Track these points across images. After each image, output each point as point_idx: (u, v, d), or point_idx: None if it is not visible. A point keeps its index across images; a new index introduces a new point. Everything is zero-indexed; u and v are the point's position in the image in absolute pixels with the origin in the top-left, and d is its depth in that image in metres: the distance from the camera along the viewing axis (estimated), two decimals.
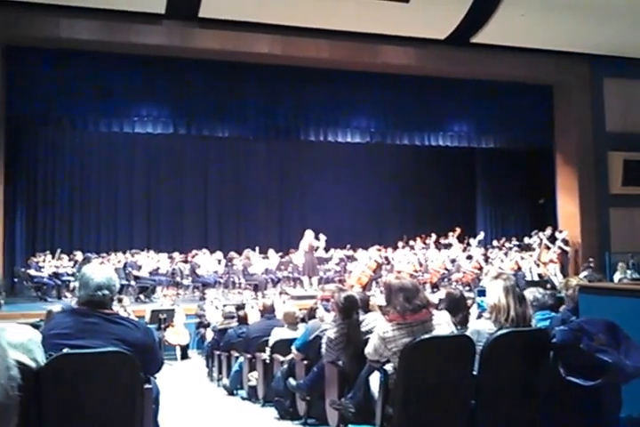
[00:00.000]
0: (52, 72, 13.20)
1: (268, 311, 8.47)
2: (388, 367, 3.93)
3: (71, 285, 14.22)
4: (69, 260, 15.43)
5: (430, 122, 16.38)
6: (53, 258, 15.26)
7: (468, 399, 3.66)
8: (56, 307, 7.36)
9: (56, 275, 14.50)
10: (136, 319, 3.34)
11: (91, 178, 18.37)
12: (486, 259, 17.01)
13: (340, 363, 4.96)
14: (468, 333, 3.86)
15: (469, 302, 6.77)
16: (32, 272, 14.30)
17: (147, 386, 3.12)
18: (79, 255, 15.50)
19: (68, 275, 14.60)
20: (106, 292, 3.15)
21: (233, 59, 14.18)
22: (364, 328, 4.96)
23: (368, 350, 4.13)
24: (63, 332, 3.02)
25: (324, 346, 5.12)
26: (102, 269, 3.24)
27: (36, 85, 13.14)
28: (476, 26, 14.26)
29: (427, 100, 15.99)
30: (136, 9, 12.55)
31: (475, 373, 3.63)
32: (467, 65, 15.28)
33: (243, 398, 8.38)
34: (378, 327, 4.11)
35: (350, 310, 5.00)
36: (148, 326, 9.25)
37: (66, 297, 14.18)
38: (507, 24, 13.99)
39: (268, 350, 7.29)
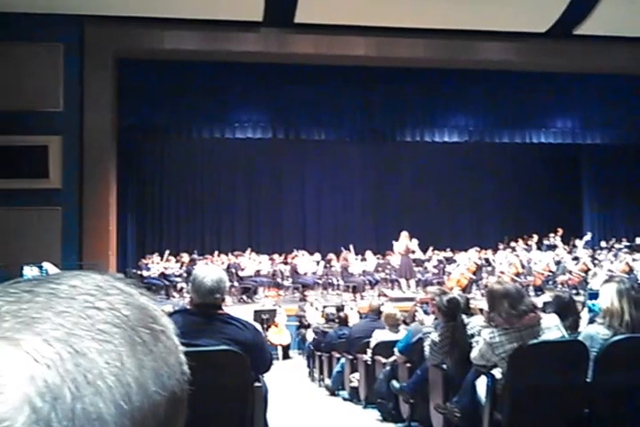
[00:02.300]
0: (158, 82, 13.79)
1: (372, 313, 8.47)
2: (496, 372, 3.86)
3: (178, 285, 14.76)
4: (176, 261, 16.02)
5: (531, 118, 15.90)
6: (162, 260, 15.90)
7: (582, 408, 3.55)
8: (167, 307, 7.65)
9: (164, 276, 15.08)
10: (245, 319, 3.41)
11: (195, 183, 19.00)
12: (593, 260, 16.34)
13: (445, 366, 4.91)
14: (580, 338, 3.74)
15: (579, 305, 6.53)
16: (143, 273, 14.94)
17: (257, 384, 3.19)
18: (185, 257, 16.06)
19: (176, 276, 15.15)
20: (217, 295, 3.25)
21: (328, 62, 14.29)
22: (468, 331, 4.88)
23: (474, 354, 4.06)
24: (178, 331, 3.13)
25: (427, 349, 5.07)
26: (214, 273, 3.33)
27: (144, 96, 13.79)
28: (579, 16, 13.71)
29: (527, 96, 15.52)
30: (235, 18, 12.86)
31: (588, 380, 3.51)
32: (570, 58, 14.72)
33: (344, 399, 8.42)
34: (484, 332, 4.04)
35: (454, 312, 4.94)
36: None
37: (173, 297, 14.72)
38: (613, 13, 13.38)
39: (369, 351, 7.29)
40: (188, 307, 3.59)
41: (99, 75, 12.90)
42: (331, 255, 16.12)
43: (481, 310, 7.55)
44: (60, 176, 12.67)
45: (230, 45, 13.29)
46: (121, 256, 14.71)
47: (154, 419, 0.45)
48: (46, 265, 2.79)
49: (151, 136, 16.51)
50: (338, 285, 15.46)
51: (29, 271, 2.88)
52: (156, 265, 15.40)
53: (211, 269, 3.42)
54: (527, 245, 17.47)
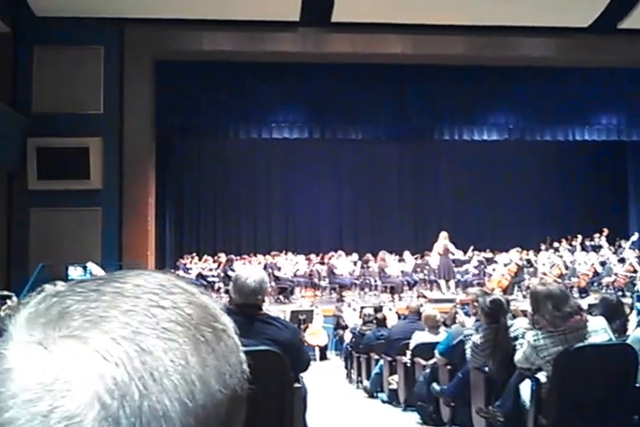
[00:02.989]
0: (197, 83, 13.91)
1: (412, 314, 8.38)
2: (541, 376, 3.77)
3: (216, 285, 14.84)
4: (214, 261, 16.12)
5: (574, 115, 15.56)
6: (199, 260, 16.01)
7: (631, 414, 3.42)
8: None
9: (202, 276, 15.18)
10: (285, 320, 3.39)
11: (231, 183, 19.10)
12: None
13: (487, 369, 4.81)
14: (628, 341, 3.62)
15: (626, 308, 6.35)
16: (181, 273, 15.07)
17: (296, 385, 3.16)
18: (222, 257, 16.15)
19: (213, 276, 15.24)
20: (259, 296, 3.24)
21: (365, 61, 14.23)
22: (511, 334, 4.78)
23: (518, 357, 3.98)
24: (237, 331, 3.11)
25: (469, 351, 4.99)
26: (256, 274, 3.32)
27: (182, 97, 13.92)
28: (623, 10, 13.39)
29: (569, 93, 15.21)
30: (272, 18, 12.89)
31: (638, 385, 3.39)
32: (614, 53, 14.37)
33: (383, 402, 8.36)
34: (528, 334, 3.95)
35: (497, 314, 4.83)
36: None
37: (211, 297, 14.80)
38: None
39: (408, 353, 7.21)
40: (230, 307, 3.58)
41: (138, 77, 13.06)
42: (368, 256, 16.04)
43: (522, 312, 7.43)
44: (101, 177, 12.85)
45: (267, 46, 13.33)
46: (159, 256, 14.85)
47: (216, 417, 0.46)
48: (90, 265, 2.81)
49: (189, 137, 16.65)
50: (375, 285, 15.38)
51: (74, 271, 2.92)
52: (193, 265, 15.52)
53: (253, 270, 3.41)
54: (571, 245, 17.14)
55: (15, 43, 12.86)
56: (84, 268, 2.71)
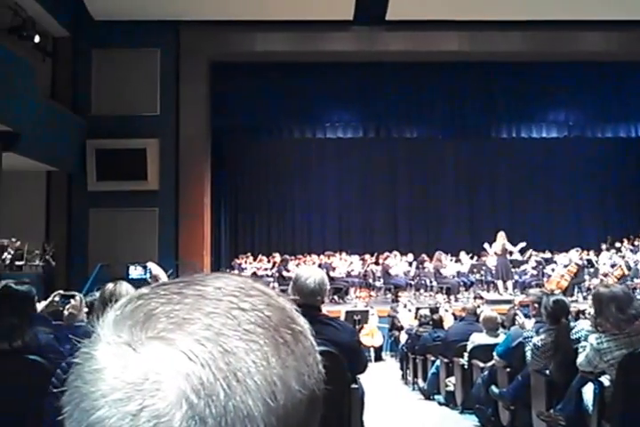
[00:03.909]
0: (250, 84, 14.02)
1: (469, 315, 8.24)
2: (604, 379, 3.64)
3: (270, 285, 14.88)
4: (268, 261, 16.22)
5: (636, 111, 15.08)
6: (254, 260, 16.12)
7: None
8: None
9: (256, 276, 15.27)
10: (343, 321, 3.36)
11: (286, 183, 19.19)
12: None
13: (547, 372, 4.69)
14: None
15: None
16: (237, 273, 15.18)
17: (354, 386, 3.13)
18: (277, 257, 16.23)
19: (268, 276, 15.32)
20: (319, 297, 3.21)
21: (420, 59, 14.10)
22: (573, 336, 4.64)
23: (580, 360, 3.87)
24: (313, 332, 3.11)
25: (529, 353, 4.87)
26: (316, 274, 3.27)
27: (237, 98, 14.06)
28: None
29: (632, 88, 14.76)
30: (326, 17, 12.91)
31: None
32: None
33: (440, 404, 8.26)
34: (591, 337, 3.83)
35: (559, 314, 4.69)
36: None
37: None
38: None
39: (466, 355, 7.10)
40: None
41: (193, 78, 13.25)
42: (423, 256, 15.88)
43: (580, 313, 7.21)
44: (158, 178, 13.08)
45: (321, 45, 13.35)
46: (215, 256, 15.01)
47: (296, 417, 0.46)
48: (150, 265, 2.84)
49: (243, 137, 16.79)
50: (431, 286, 15.21)
51: (134, 271, 2.97)
52: (248, 265, 15.64)
53: (312, 271, 3.37)
54: (633, 245, 16.62)
55: (74, 46, 13.20)
56: (144, 267, 2.76)
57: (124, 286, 2.75)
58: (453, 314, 11.23)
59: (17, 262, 12.07)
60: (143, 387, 0.42)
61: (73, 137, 12.66)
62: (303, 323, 0.52)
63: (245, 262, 15.86)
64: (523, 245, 14.75)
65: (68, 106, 12.88)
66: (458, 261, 16.14)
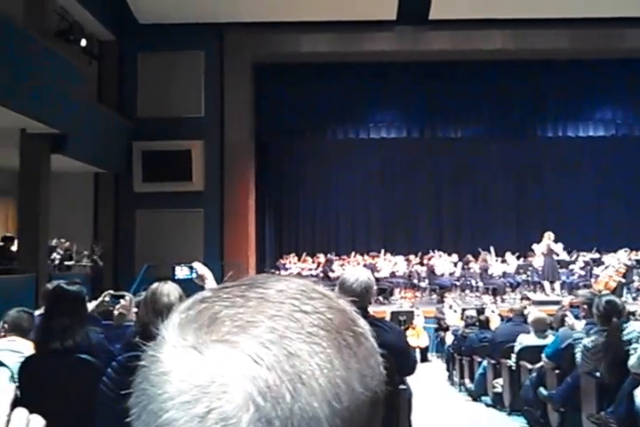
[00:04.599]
0: (294, 85, 14.08)
1: (516, 316, 8.13)
2: None
3: None
4: (312, 262, 16.25)
5: None
6: (299, 260, 16.18)
7: None
8: None
9: (301, 276, 15.30)
10: (389, 322, 3.33)
11: (330, 184, 19.18)
12: None
13: (598, 374, 4.59)
14: None
15: None
16: (281, 274, 15.26)
17: (402, 387, 3.11)
18: (321, 257, 16.25)
19: (312, 276, 15.34)
20: (366, 298, 3.19)
21: (464, 58, 13.97)
22: (625, 337, 4.53)
23: (632, 362, 3.78)
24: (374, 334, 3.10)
25: (579, 355, 4.79)
26: (363, 275, 3.24)
27: (281, 99, 14.15)
28: None
29: None
30: (369, 18, 12.89)
31: None
32: None
33: (487, 405, 8.19)
34: None
35: (611, 315, 4.59)
36: None
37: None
38: None
39: (513, 356, 7.01)
40: None
41: (237, 80, 13.36)
42: (469, 256, 15.71)
43: (631, 314, 7.04)
44: (203, 179, 13.23)
45: (364, 45, 13.33)
46: (259, 257, 15.10)
47: (359, 418, 0.46)
48: (196, 265, 2.86)
49: (287, 138, 16.85)
50: (476, 287, 15.05)
51: (180, 271, 3.01)
52: (292, 265, 15.69)
53: (360, 272, 3.34)
54: None
55: (120, 50, 13.43)
56: (190, 268, 2.79)
57: (169, 287, 2.77)
58: (500, 315, 11.09)
59: (66, 263, 12.35)
60: (210, 390, 0.43)
61: (119, 139, 12.88)
62: (363, 325, 0.52)
63: (290, 263, 15.93)
64: (567, 254, 14.53)
65: (114, 108, 13.12)
66: (504, 261, 15.91)
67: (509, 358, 7.12)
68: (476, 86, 14.47)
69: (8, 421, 0.63)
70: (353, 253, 17.06)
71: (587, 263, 15.85)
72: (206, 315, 0.47)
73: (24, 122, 9.24)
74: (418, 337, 12.37)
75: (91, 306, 3.49)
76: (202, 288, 3.09)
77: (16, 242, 10.21)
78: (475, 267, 15.29)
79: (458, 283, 15.46)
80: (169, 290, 2.75)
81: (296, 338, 0.46)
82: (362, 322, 0.52)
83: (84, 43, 12.30)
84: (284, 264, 15.79)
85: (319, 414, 0.44)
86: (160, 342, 0.48)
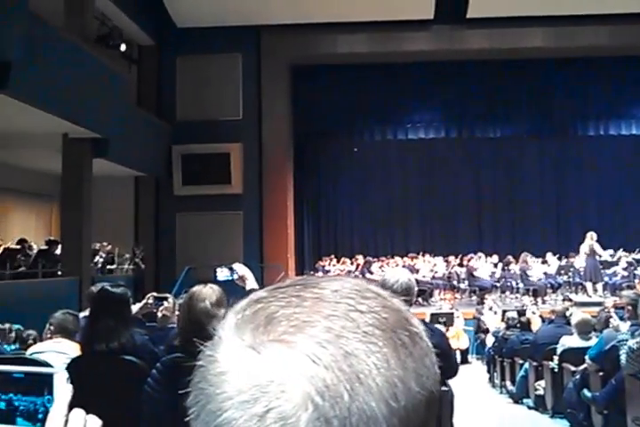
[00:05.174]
0: (331, 86, 14.11)
1: (558, 318, 8.01)
2: None
3: None
4: (351, 263, 16.23)
5: None
6: (338, 262, 16.18)
7: None
8: None
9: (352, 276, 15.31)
10: (431, 324, 3.31)
11: (367, 185, 19.12)
12: None
13: None
14: None
15: None
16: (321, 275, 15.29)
17: (444, 389, 3.10)
18: (360, 259, 16.22)
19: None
20: (407, 299, 3.18)
21: (503, 57, 13.84)
22: None
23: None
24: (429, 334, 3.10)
25: (623, 357, 4.71)
26: (403, 277, 3.23)
27: (318, 100, 14.18)
28: None
29: None
30: (405, 17, 12.84)
31: None
32: None
33: (529, 407, 8.11)
34: None
35: None
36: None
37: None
38: None
39: (556, 358, 6.92)
40: None
41: (275, 82, 13.42)
42: (509, 258, 15.52)
43: None
44: (241, 182, 13.32)
45: (401, 45, 13.29)
46: (299, 258, 15.13)
47: (416, 418, 0.46)
48: (236, 266, 2.89)
49: (325, 140, 16.87)
50: (517, 288, 14.86)
51: (221, 273, 3.04)
52: (332, 267, 15.70)
53: (400, 273, 3.33)
54: None
55: (159, 54, 13.61)
56: (230, 269, 2.81)
57: (207, 290, 2.80)
58: (541, 316, 10.93)
59: (108, 266, 12.54)
60: (268, 389, 0.43)
61: (159, 143, 13.05)
62: (418, 324, 0.52)
63: (328, 264, 15.93)
64: (610, 252, 14.23)
65: (153, 112, 13.29)
66: (545, 262, 15.69)
67: (552, 360, 7.04)
68: (516, 85, 14.33)
69: (66, 421, 0.65)
70: (391, 255, 17.00)
71: (630, 264, 15.53)
72: (263, 315, 0.48)
73: (66, 127, 9.42)
74: (458, 339, 12.26)
75: (135, 308, 3.54)
76: (243, 289, 3.12)
77: (60, 246, 10.40)
78: (515, 268, 15.11)
79: (498, 284, 15.29)
80: (206, 294, 2.77)
81: (352, 337, 0.46)
82: (416, 322, 0.52)
83: (123, 48, 12.49)
84: (323, 266, 15.80)
85: (377, 414, 0.44)
86: (217, 341, 0.48)
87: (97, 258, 11.96)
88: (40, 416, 0.66)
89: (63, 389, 0.66)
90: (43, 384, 0.66)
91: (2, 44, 6.89)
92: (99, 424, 0.69)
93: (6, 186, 12.72)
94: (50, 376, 0.65)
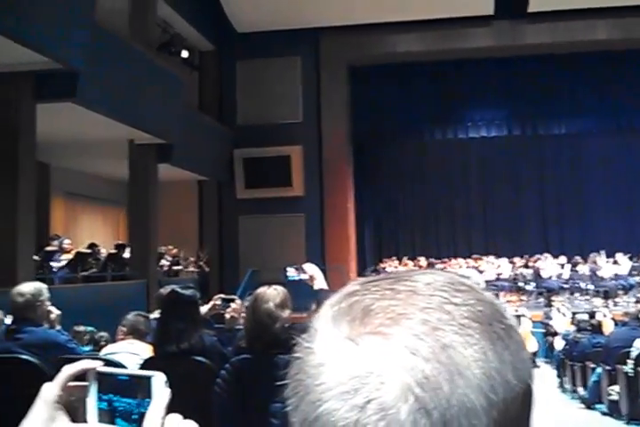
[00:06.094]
0: (390, 87, 14.03)
1: (632, 320, 7.74)
2: None
3: None
4: (414, 265, 16.06)
5: None
6: (400, 264, 16.04)
7: None
8: None
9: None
10: None
11: (428, 185, 18.93)
12: None
13: None
14: None
15: None
16: None
17: None
18: (422, 261, 16.05)
19: None
20: None
21: (566, 51, 13.50)
22: None
23: None
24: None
25: None
26: (473, 279, 3.16)
27: (377, 101, 14.12)
28: None
29: None
30: (465, 14, 12.67)
31: None
32: None
33: (603, 413, 7.83)
34: None
35: None
36: None
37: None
38: None
39: (630, 362, 6.69)
40: None
41: (334, 84, 13.43)
42: (577, 258, 15.11)
43: None
44: (302, 184, 13.37)
45: (461, 43, 13.12)
46: (360, 260, 15.08)
47: (514, 411, 0.46)
48: (306, 266, 2.91)
49: (384, 140, 16.77)
50: (586, 289, 14.44)
51: (291, 272, 3.07)
52: (393, 269, 15.57)
53: (469, 275, 3.25)
54: None
55: (220, 59, 13.79)
56: (300, 269, 2.83)
57: (271, 292, 2.80)
58: (613, 319, 10.58)
59: (174, 269, 12.77)
60: (368, 380, 0.43)
61: (221, 147, 13.21)
62: (512, 317, 0.51)
63: (390, 266, 15.81)
64: None
65: (215, 117, 13.47)
66: (615, 262, 15.20)
67: (625, 363, 6.83)
68: (580, 79, 13.98)
69: (162, 424, 0.64)
70: (454, 256, 16.78)
71: None
72: (358, 307, 0.48)
73: (132, 133, 9.64)
74: (525, 342, 11.99)
75: (203, 310, 3.57)
76: (311, 288, 3.11)
77: (128, 249, 10.63)
78: (584, 269, 14.70)
79: (566, 286, 14.89)
80: (270, 295, 2.78)
81: (449, 330, 0.46)
82: (510, 315, 0.51)
83: (185, 54, 12.70)
84: (385, 268, 15.69)
85: (476, 406, 0.43)
86: (313, 334, 0.49)
87: (163, 261, 12.18)
88: (134, 417, 0.65)
89: (161, 391, 0.65)
90: (139, 386, 0.65)
91: (70, 55, 7.08)
92: None
93: (76, 192, 13.11)
94: (148, 379, 0.64)
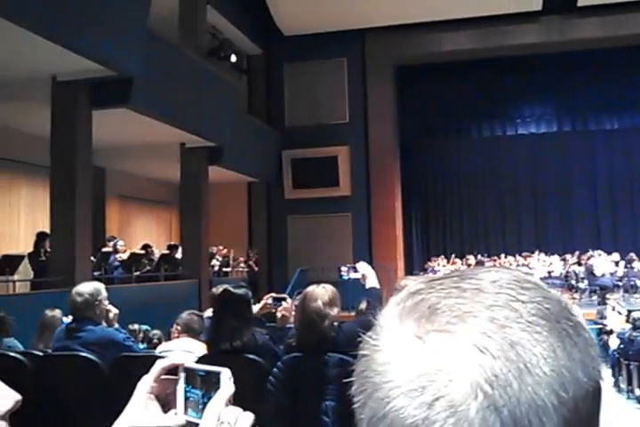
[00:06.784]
0: (436, 85, 13.95)
1: None
2: None
3: None
4: (462, 264, 15.95)
5: None
6: (448, 262, 15.95)
7: None
8: None
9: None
10: None
11: (476, 183, 18.77)
12: None
13: None
14: None
15: None
16: None
17: None
18: (471, 259, 15.92)
19: None
20: None
21: (617, 44, 13.19)
22: None
23: None
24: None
25: None
26: None
27: (424, 100, 14.06)
28: None
29: None
30: (512, 10, 12.51)
31: None
32: None
33: None
34: None
35: None
36: None
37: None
38: None
39: None
40: None
41: (380, 84, 13.43)
42: (632, 255, 14.78)
43: None
44: (349, 184, 13.42)
45: (508, 39, 12.95)
46: (408, 259, 15.04)
47: (584, 409, 0.46)
48: (359, 265, 2.98)
49: (431, 138, 16.70)
50: None
51: (345, 272, 3.13)
52: (442, 268, 15.49)
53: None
54: None
55: (267, 62, 13.97)
56: (353, 268, 2.88)
57: (320, 291, 2.86)
58: None
59: (224, 269, 12.97)
60: (436, 378, 0.44)
61: (269, 148, 13.37)
62: (579, 314, 0.51)
63: (438, 265, 15.74)
64: None
65: (263, 119, 13.64)
66: None
67: None
68: (633, 73, 13.63)
69: (220, 414, 0.72)
70: (504, 254, 16.59)
71: None
72: (424, 305, 0.48)
73: (183, 137, 9.86)
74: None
75: (255, 308, 3.65)
76: (363, 287, 3.17)
77: (180, 250, 10.86)
78: (638, 266, 14.37)
79: (620, 283, 14.58)
80: (319, 294, 2.84)
81: (517, 327, 0.45)
82: (577, 312, 0.51)
83: (233, 58, 12.88)
84: (432, 267, 15.63)
85: (547, 404, 0.43)
86: (379, 331, 0.49)
87: (213, 261, 12.38)
88: (200, 407, 0.74)
89: (226, 385, 0.73)
90: (211, 380, 0.74)
91: (124, 61, 7.28)
92: (251, 419, 0.74)
93: (130, 194, 13.43)
94: (217, 374, 0.73)
